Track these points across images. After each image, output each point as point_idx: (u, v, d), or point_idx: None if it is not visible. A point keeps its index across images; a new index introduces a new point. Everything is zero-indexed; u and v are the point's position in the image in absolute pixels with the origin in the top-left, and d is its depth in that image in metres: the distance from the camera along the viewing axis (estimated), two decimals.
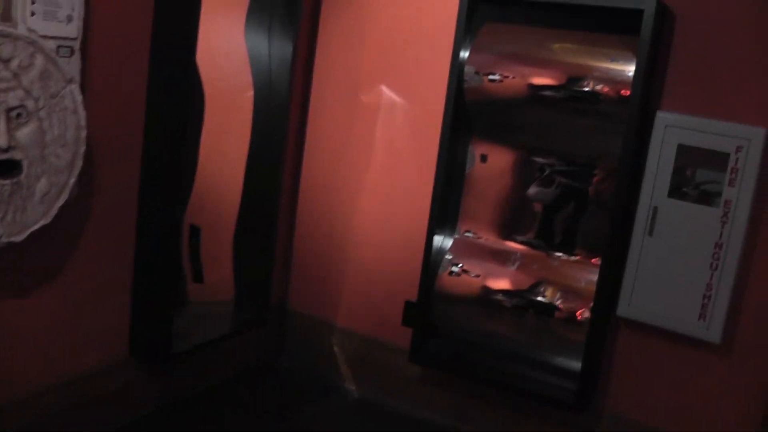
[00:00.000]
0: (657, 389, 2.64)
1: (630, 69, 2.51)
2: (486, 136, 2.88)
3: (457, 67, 2.78)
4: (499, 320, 2.89)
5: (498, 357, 2.86)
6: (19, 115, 2.06)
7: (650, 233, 2.56)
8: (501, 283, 2.88)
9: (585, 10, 2.59)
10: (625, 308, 2.63)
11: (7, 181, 2.08)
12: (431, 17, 2.97)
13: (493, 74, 2.76)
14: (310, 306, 3.41)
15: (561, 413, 2.76)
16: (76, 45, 2.24)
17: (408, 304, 3.09)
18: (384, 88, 3.11)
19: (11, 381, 2.31)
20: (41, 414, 2.42)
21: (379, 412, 3.18)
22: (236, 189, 3.13)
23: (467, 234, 2.95)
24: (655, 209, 2.54)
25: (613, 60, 2.58)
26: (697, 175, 2.50)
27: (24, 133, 2.10)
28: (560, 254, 2.79)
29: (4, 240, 2.10)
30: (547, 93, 2.69)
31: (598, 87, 2.60)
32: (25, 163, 2.11)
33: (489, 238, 2.92)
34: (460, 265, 2.92)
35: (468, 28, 2.78)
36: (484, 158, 2.89)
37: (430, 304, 2.95)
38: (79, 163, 2.27)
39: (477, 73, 2.77)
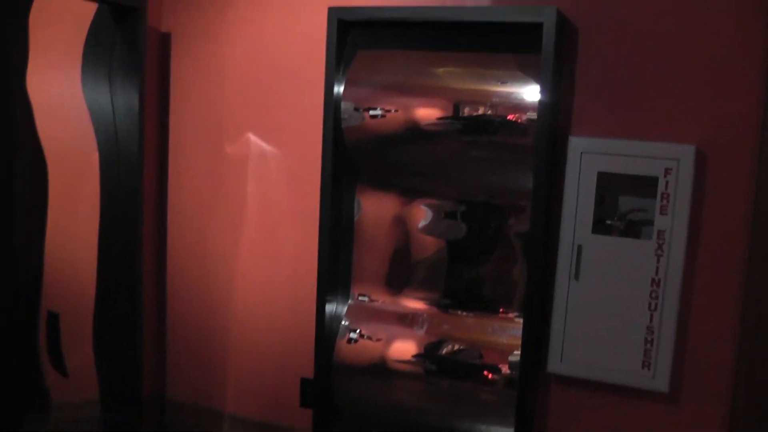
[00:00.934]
0: None
1: (525, 90, 2.17)
2: (373, 181, 2.46)
3: (332, 105, 2.36)
4: (412, 390, 2.46)
5: None
6: None
7: (576, 276, 2.21)
8: (408, 348, 2.45)
9: (470, 27, 2.22)
10: (556, 364, 2.27)
11: None
12: (298, 50, 2.54)
13: (374, 109, 2.35)
14: (192, 393, 2.91)
15: None
16: None
17: (304, 382, 2.64)
18: (251, 136, 2.65)
19: None
20: None
21: None
22: (91, 265, 2.67)
23: (361, 298, 2.51)
24: (579, 248, 2.19)
25: (503, 82, 2.22)
26: (623, 205, 2.18)
27: None
28: (473, 309, 2.40)
29: None
30: (436, 125, 2.30)
31: (493, 114, 2.23)
32: None
33: (388, 298, 2.49)
34: (359, 330, 2.48)
35: (340, 58, 2.36)
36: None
37: (330, 379, 2.49)
38: None
39: (356, 109, 2.36)
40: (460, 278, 2.42)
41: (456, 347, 2.40)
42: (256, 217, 2.67)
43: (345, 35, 2.37)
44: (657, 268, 2.12)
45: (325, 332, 2.47)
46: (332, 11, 2.34)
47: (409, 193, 2.45)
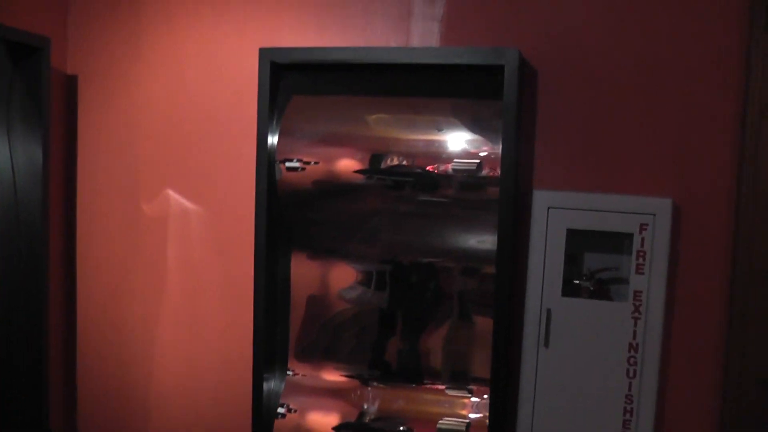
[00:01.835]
0: None
1: (463, 139, 1.97)
2: (306, 242, 2.18)
3: (265, 159, 2.09)
4: None
5: None
6: None
7: (546, 344, 1.99)
8: (335, 421, 2.18)
9: (415, 70, 2.00)
10: None
11: None
12: (225, 95, 2.26)
13: (305, 162, 2.10)
14: None
15: None
16: None
17: None
18: (171, 193, 2.34)
19: None
20: None
21: None
22: None
23: (299, 375, 2.22)
24: (549, 312, 1.98)
25: (439, 130, 2.00)
26: (595, 265, 1.98)
27: None
28: (429, 384, 2.15)
29: None
30: (365, 179, 2.06)
31: (423, 165, 2.01)
32: None
33: (330, 375, 2.21)
34: (289, 406, 2.19)
35: (273, 105, 2.10)
36: None
37: None
38: None
39: (284, 161, 2.09)
40: (391, 347, 2.17)
41: (411, 427, 2.14)
42: (178, 283, 2.36)
43: (278, 79, 2.11)
44: (634, 332, 1.93)
45: (262, 412, 2.17)
46: (264, 53, 2.08)
47: (338, 255, 2.19)
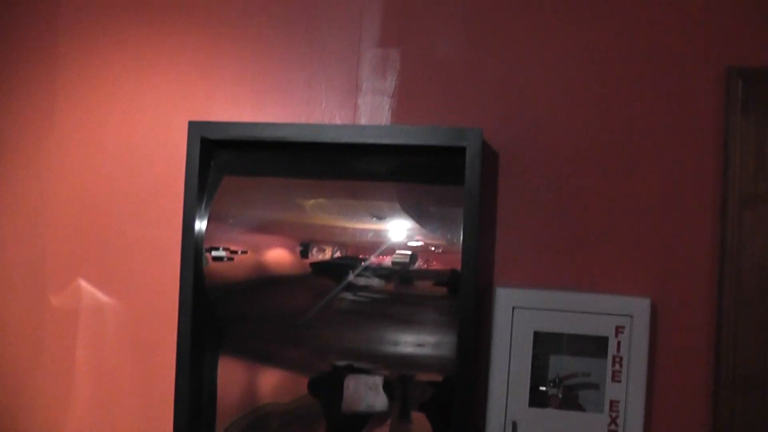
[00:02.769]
0: None
1: (407, 229, 1.76)
2: (234, 344, 1.91)
3: (191, 245, 1.82)
4: None
5: None
6: None
7: None
8: None
9: (363, 150, 1.79)
10: None
11: None
12: (151, 175, 2.00)
13: (232, 251, 1.85)
14: None
15: None
16: None
17: None
18: (83, 283, 2.04)
19: None
20: None
21: None
22: None
23: None
24: (514, 426, 1.75)
25: (379, 218, 1.79)
26: (566, 372, 1.77)
27: None
28: None
29: None
30: (293, 271, 1.82)
31: (360, 257, 1.79)
32: None
33: None
34: None
35: (203, 186, 1.85)
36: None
37: None
38: None
39: (216, 250, 1.84)
40: None
41: None
42: (88, 390, 2.03)
43: (209, 157, 1.87)
44: None
45: None
46: (194, 126, 1.84)
47: (268, 359, 1.91)
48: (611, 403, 1.71)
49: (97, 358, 2.02)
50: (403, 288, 1.79)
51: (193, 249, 1.81)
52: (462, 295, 1.67)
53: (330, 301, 1.82)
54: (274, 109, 1.92)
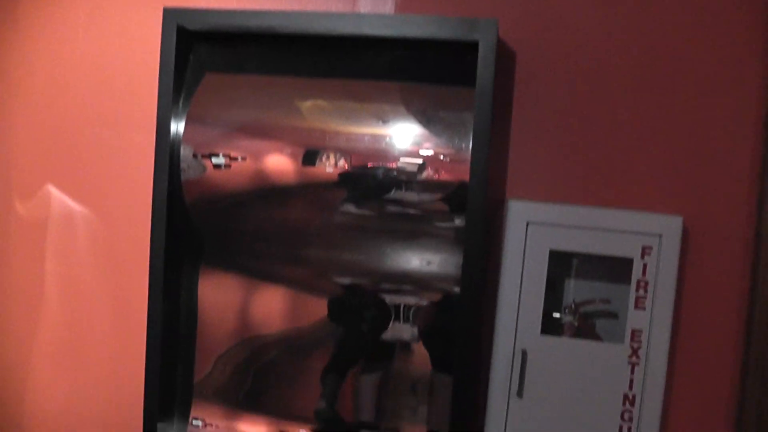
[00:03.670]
0: None
1: (413, 133, 1.55)
2: (220, 259, 1.73)
3: (167, 150, 1.63)
4: None
5: None
6: None
7: (519, 393, 1.58)
8: None
9: (364, 45, 1.57)
10: None
11: None
12: (124, 72, 1.79)
13: (216, 156, 1.65)
14: None
15: None
16: None
17: None
18: (53, 190, 1.85)
19: None
20: None
21: None
22: None
23: (210, 426, 1.77)
24: (524, 354, 1.57)
25: (384, 122, 1.59)
26: (584, 297, 1.59)
27: None
28: None
29: None
30: (297, 180, 1.63)
31: (365, 165, 1.59)
32: None
33: (230, 422, 1.76)
34: None
35: (180, 84, 1.64)
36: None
37: None
38: None
39: (195, 155, 1.65)
40: (327, 393, 1.73)
41: None
42: (57, 304, 1.87)
43: (188, 50, 1.65)
44: (631, 381, 1.54)
45: None
46: (170, 14, 1.62)
47: (263, 277, 1.73)
48: (633, 332, 1.53)
49: (67, 271, 1.85)
50: (412, 201, 1.60)
51: (168, 152, 1.62)
52: (470, 208, 1.48)
53: (331, 215, 1.63)
54: None
